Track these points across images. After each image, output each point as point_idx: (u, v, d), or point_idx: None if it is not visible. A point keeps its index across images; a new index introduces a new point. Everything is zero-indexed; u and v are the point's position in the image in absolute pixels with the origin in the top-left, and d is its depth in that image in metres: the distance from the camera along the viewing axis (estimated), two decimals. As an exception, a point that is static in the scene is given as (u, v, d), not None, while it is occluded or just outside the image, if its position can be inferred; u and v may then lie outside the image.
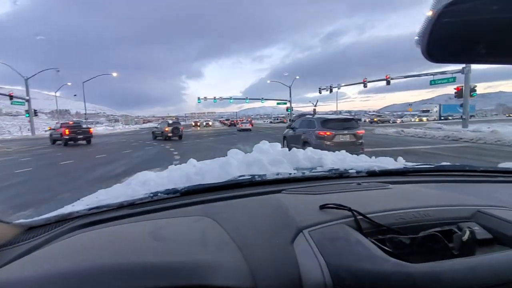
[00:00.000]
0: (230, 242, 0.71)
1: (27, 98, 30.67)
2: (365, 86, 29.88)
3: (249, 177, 1.30)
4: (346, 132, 7.79)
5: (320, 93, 35.37)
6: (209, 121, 68.62)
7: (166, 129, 19.87)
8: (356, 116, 21.05)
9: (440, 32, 0.36)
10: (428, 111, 61.96)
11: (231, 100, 42.76)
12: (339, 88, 33.93)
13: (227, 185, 1.21)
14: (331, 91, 33.94)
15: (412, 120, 55.97)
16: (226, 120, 78.93)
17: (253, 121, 49.69)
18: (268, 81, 64.17)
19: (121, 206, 1.03)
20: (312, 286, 0.55)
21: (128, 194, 2.29)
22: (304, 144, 7.98)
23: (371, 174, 1.32)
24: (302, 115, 15.71)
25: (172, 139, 19.73)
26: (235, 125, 47.68)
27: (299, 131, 8.86)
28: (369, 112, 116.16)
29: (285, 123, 55.32)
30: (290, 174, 1.38)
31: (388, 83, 27.37)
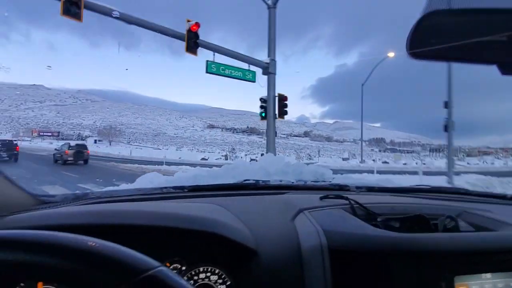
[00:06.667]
0: (235, 218, 0.80)
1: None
2: None
3: (254, 181, 1.36)
4: None
5: None
6: None
7: (66, 152, 17.92)
8: None
9: (420, 34, 0.48)
10: None
11: None
12: None
13: (232, 186, 1.28)
14: None
15: None
16: None
17: None
18: None
19: (131, 194, 1.10)
20: (309, 247, 0.63)
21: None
22: None
23: (371, 190, 1.36)
24: None
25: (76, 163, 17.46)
26: None
27: None
28: None
29: None
30: (292, 182, 1.46)
31: None
